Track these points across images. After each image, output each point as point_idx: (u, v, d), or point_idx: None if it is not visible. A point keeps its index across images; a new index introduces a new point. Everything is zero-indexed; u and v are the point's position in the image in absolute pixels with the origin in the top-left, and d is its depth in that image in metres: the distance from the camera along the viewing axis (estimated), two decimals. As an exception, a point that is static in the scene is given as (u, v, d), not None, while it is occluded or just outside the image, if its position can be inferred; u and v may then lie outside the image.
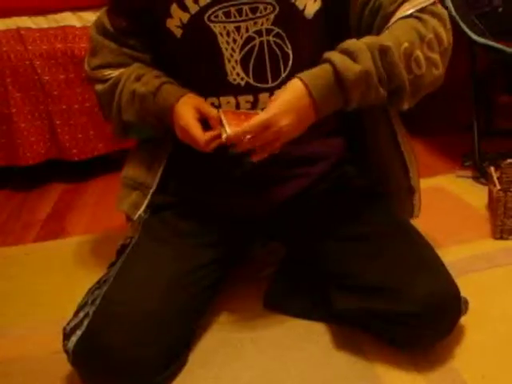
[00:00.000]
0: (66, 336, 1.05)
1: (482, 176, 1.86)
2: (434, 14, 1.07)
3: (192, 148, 1.10)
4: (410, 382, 1.04)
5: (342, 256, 1.14)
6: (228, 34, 1.09)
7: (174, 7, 1.10)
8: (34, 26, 2.10)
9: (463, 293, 1.07)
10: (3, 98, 2.07)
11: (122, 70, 1.21)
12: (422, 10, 1.07)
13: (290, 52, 1.11)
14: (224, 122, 1.03)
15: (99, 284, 1.13)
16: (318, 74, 1.00)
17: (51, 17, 2.10)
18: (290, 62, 1.12)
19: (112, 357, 0.98)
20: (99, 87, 1.23)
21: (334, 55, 1.00)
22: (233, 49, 1.10)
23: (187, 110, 1.09)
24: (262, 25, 1.09)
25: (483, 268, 1.38)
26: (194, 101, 1.12)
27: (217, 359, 1.14)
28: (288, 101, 0.98)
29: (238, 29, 1.09)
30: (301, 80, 0.99)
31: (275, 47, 1.11)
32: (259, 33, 1.09)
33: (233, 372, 1.11)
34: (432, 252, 1.12)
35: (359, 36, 1.04)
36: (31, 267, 1.61)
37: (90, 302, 1.08)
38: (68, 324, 1.07)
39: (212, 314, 1.27)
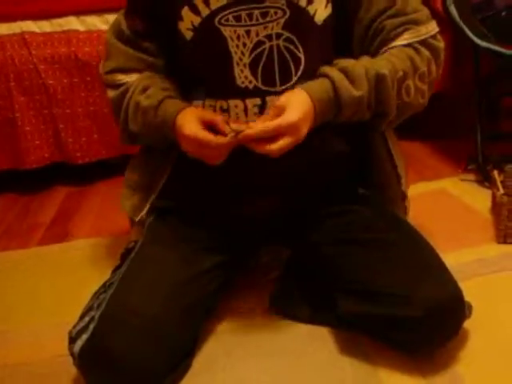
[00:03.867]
0: (72, 339, 1.05)
1: (485, 180, 1.85)
2: (429, 47, 1.14)
3: (196, 161, 1.09)
4: (414, 385, 1.04)
5: (346, 261, 1.15)
6: (238, 38, 1.10)
7: (186, 10, 1.11)
8: (38, 31, 2.11)
9: (467, 297, 1.08)
10: (8, 102, 2.07)
11: (132, 78, 1.20)
12: (420, 42, 1.13)
13: (302, 56, 1.12)
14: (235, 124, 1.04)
15: (104, 288, 1.14)
16: (321, 88, 1.05)
17: (55, 21, 2.11)
18: (302, 66, 1.12)
19: (117, 361, 0.98)
20: (111, 94, 1.24)
21: (333, 72, 1.05)
22: (242, 52, 1.10)
23: (190, 119, 1.07)
24: (272, 29, 1.09)
25: (487, 272, 1.38)
26: (195, 110, 1.11)
27: (222, 363, 1.14)
28: (305, 111, 1.02)
29: (248, 33, 1.09)
30: (307, 93, 1.04)
31: (285, 51, 1.11)
32: (269, 37, 1.10)
33: (238, 376, 1.11)
34: (436, 256, 1.12)
35: (359, 50, 1.13)
36: (35, 271, 1.61)
37: (95, 305, 1.09)
38: (74, 327, 1.07)
39: (217, 318, 1.27)
